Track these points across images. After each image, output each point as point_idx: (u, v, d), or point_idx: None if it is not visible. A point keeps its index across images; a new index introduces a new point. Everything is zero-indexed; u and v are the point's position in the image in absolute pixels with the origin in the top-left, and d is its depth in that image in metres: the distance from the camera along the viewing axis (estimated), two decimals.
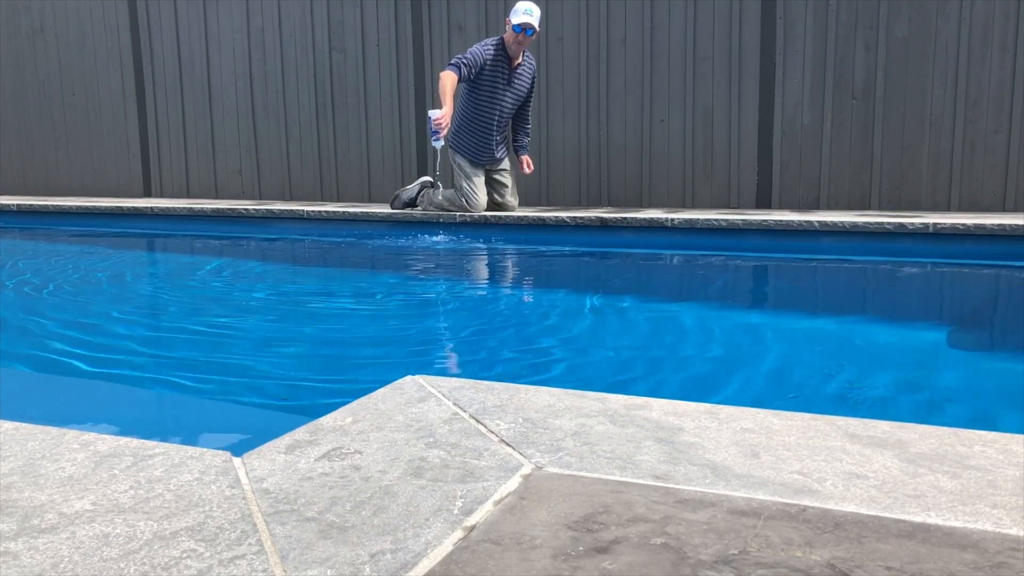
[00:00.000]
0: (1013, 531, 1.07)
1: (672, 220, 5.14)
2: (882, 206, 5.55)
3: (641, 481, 1.24)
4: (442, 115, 5.21)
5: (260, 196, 7.38)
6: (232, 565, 1.00)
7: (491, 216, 5.62)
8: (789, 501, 1.16)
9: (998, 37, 5.20)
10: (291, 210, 6.21)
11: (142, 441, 1.42)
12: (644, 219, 5.21)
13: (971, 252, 4.49)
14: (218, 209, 6.57)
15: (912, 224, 4.61)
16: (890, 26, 5.40)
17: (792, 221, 4.91)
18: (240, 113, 7.35)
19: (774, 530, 1.07)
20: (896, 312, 3.57)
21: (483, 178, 5.70)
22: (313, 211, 6.11)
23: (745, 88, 5.77)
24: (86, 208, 7.06)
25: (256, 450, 1.39)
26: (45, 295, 3.93)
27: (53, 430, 1.48)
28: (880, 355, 2.71)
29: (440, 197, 5.77)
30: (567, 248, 5.20)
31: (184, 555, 1.03)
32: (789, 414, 1.55)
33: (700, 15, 5.82)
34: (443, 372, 2.57)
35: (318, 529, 1.09)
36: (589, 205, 6.23)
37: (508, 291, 4.12)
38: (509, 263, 5.03)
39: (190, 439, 2.05)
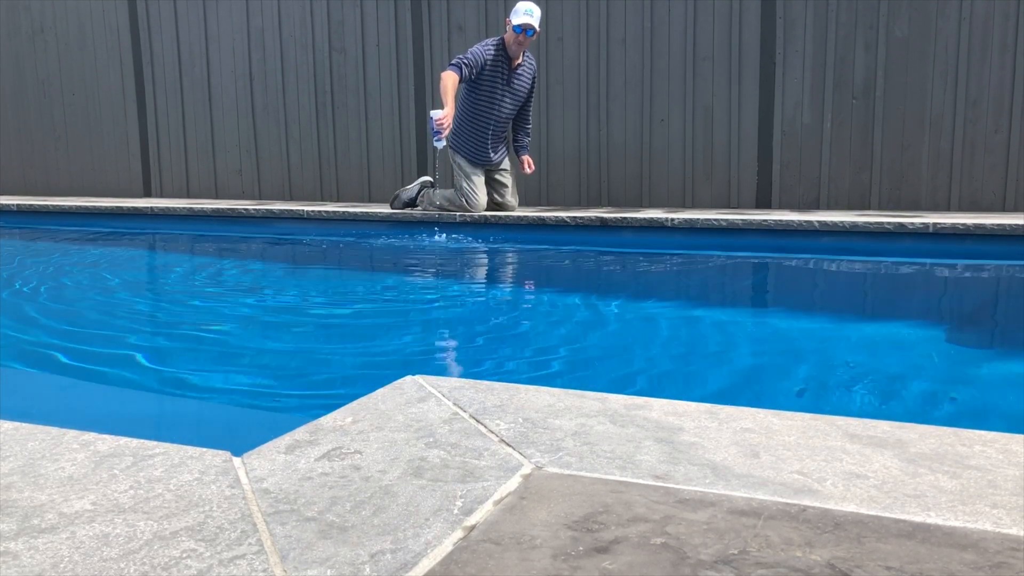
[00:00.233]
0: (1013, 531, 1.07)
1: (672, 220, 5.14)
2: (882, 206, 5.55)
3: (641, 481, 1.24)
4: (444, 115, 5.22)
5: (260, 196, 7.38)
6: (232, 565, 1.00)
7: (491, 216, 5.62)
8: (789, 501, 1.16)
9: (998, 37, 5.20)
10: (291, 210, 6.21)
11: (142, 441, 1.42)
12: (644, 219, 5.21)
13: (971, 252, 4.49)
14: (218, 209, 6.57)
15: (912, 224, 4.61)
16: (890, 26, 5.40)
17: (792, 221, 4.91)
18: (240, 113, 7.35)
19: (774, 530, 1.07)
20: (896, 312, 3.57)
21: (483, 178, 5.70)
22: (313, 211, 6.11)
23: (745, 88, 5.77)
24: (86, 208, 7.06)
25: (256, 450, 1.39)
26: (45, 295, 3.93)
27: (53, 430, 1.48)
28: (880, 355, 2.71)
29: (440, 197, 5.77)
30: (567, 248, 5.20)
31: (184, 555, 1.03)
32: (789, 414, 1.55)
33: (700, 15, 5.82)
34: (443, 372, 2.57)
35: (318, 529, 1.09)
36: (589, 205, 6.23)
37: (508, 291, 4.12)
38: (509, 263, 5.03)
39: (190, 439, 2.05)
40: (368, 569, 0.99)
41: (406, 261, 5.05)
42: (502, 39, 5.49)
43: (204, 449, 1.38)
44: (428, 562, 1.01)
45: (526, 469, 1.29)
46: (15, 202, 7.39)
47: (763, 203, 5.82)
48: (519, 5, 5.36)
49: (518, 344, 2.96)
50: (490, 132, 5.64)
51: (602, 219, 5.27)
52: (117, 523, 1.11)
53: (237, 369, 2.67)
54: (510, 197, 5.80)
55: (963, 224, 4.52)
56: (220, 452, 1.37)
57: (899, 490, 1.20)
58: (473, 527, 1.10)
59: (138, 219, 6.79)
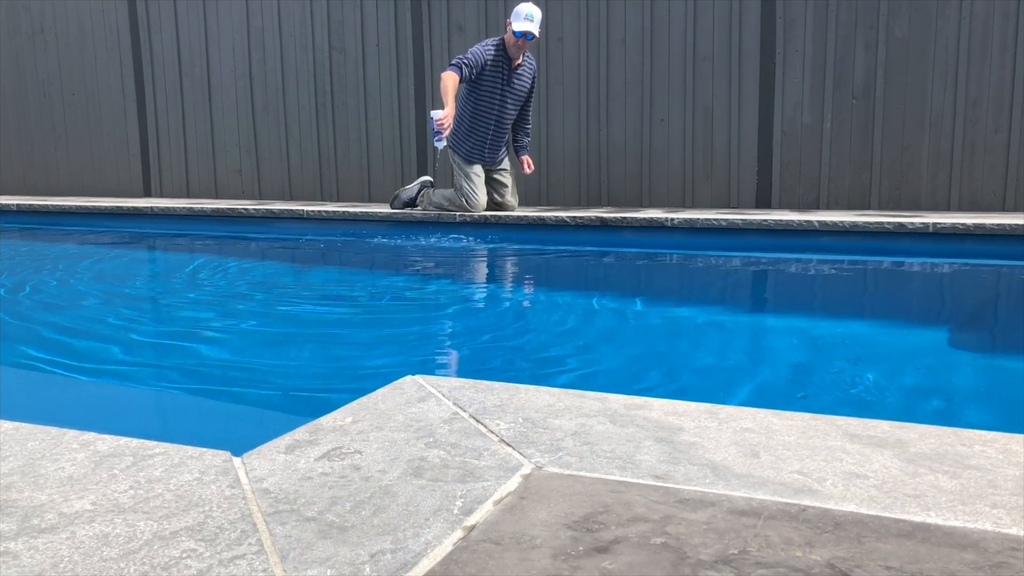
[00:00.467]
0: (1013, 531, 1.07)
1: (672, 220, 5.14)
2: (882, 206, 5.55)
3: (641, 481, 1.24)
4: (444, 115, 5.22)
5: (260, 196, 7.38)
6: (232, 565, 1.00)
7: (491, 216, 5.62)
8: (789, 501, 1.16)
9: (998, 37, 5.20)
10: (291, 210, 6.21)
11: (142, 441, 1.42)
12: (644, 219, 5.21)
13: (971, 252, 4.49)
14: (218, 209, 6.57)
15: (912, 224, 4.61)
16: (890, 26, 5.40)
17: (792, 221, 4.91)
18: (240, 113, 7.35)
19: (774, 530, 1.07)
20: (896, 312, 3.57)
21: (483, 178, 5.70)
22: (313, 211, 6.11)
23: (745, 88, 5.77)
24: (86, 208, 7.06)
25: (256, 450, 1.39)
26: (45, 295, 3.93)
27: (53, 430, 1.48)
28: (880, 354, 2.71)
29: (440, 197, 5.77)
30: (567, 248, 5.20)
31: (184, 555, 1.03)
32: (789, 414, 1.55)
33: (700, 15, 5.82)
34: (443, 372, 2.58)
35: (318, 529, 1.09)
36: (589, 205, 6.23)
37: (508, 291, 4.12)
38: (509, 263, 5.03)
39: (190, 439, 2.05)
40: (368, 569, 0.99)
41: (406, 261, 5.05)
42: (502, 39, 5.49)
43: (204, 449, 1.38)
44: (428, 562, 1.01)
45: (526, 469, 1.29)
46: (15, 202, 7.39)
47: (763, 203, 5.82)
48: (520, 8, 5.35)
49: (518, 344, 2.96)
50: (490, 132, 5.64)
51: (602, 219, 5.27)
52: (117, 523, 1.11)
53: (237, 369, 2.67)
54: (510, 197, 5.80)
55: (963, 224, 4.52)
56: (220, 452, 1.37)
57: (899, 490, 1.20)
58: (473, 527, 1.10)
59: (138, 219, 6.79)
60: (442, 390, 1.70)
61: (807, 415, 1.54)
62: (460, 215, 5.65)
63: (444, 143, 5.36)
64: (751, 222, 4.95)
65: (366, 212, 5.97)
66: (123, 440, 1.43)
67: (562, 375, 2.51)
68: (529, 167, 5.79)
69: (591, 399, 1.64)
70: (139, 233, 6.59)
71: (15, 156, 8.43)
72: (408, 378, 1.79)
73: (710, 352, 2.82)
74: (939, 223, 4.57)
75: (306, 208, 6.21)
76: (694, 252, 4.95)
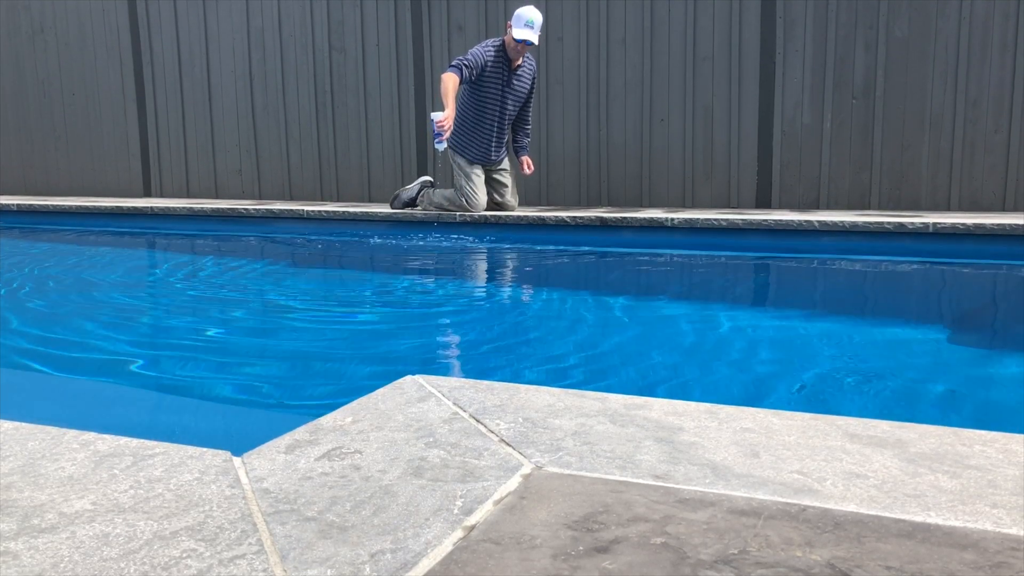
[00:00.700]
0: (1013, 531, 1.07)
1: (672, 220, 5.14)
2: (882, 206, 5.55)
3: (641, 481, 1.24)
4: (445, 117, 5.22)
5: (260, 196, 7.38)
6: (232, 565, 1.00)
7: (491, 216, 5.62)
8: (789, 501, 1.16)
9: (998, 37, 5.20)
10: (291, 210, 6.21)
11: (142, 441, 1.42)
12: (644, 219, 5.21)
13: (971, 252, 4.49)
14: (218, 209, 6.57)
15: (912, 224, 4.61)
16: (890, 26, 5.40)
17: (792, 221, 4.91)
18: (240, 113, 7.35)
19: (774, 530, 1.07)
20: (896, 312, 3.57)
21: (483, 178, 5.71)
22: (313, 211, 6.11)
23: (745, 88, 5.77)
24: (86, 208, 7.06)
25: (256, 450, 1.39)
26: (45, 294, 3.93)
27: (53, 430, 1.48)
28: (880, 354, 2.71)
29: (440, 197, 5.77)
30: (567, 248, 5.20)
31: (184, 555, 1.03)
32: (789, 414, 1.55)
33: (700, 15, 5.82)
34: (443, 372, 2.57)
35: (318, 529, 1.09)
36: (589, 205, 6.23)
37: (508, 291, 4.12)
38: (509, 263, 5.03)
39: (190, 439, 2.05)
40: (368, 569, 0.99)
41: (406, 261, 5.05)
42: (502, 40, 5.49)
43: (204, 449, 1.38)
44: (428, 562, 1.01)
45: (526, 469, 1.29)
46: (15, 202, 7.39)
47: (763, 203, 5.82)
48: (522, 12, 5.33)
49: (518, 344, 2.96)
50: (490, 133, 5.64)
51: (602, 219, 5.27)
52: (117, 523, 1.11)
53: (237, 369, 2.67)
54: (510, 197, 5.80)
55: (963, 224, 4.52)
56: (220, 452, 1.37)
57: (899, 490, 1.20)
58: (473, 527, 1.10)
59: (138, 219, 6.79)
60: (442, 390, 1.70)
61: (807, 415, 1.54)
62: (460, 215, 5.65)
63: (445, 145, 5.36)
64: (751, 222, 4.95)
65: (366, 212, 5.97)
66: (123, 440, 1.43)
67: (562, 375, 2.51)
68: (529, 168, 5.79)
69: (591, 399, 1.64)
70: (139, 233, 6.59)
71: (15, 156, 8.43)
72: (408, 378, 1.80)
73: (710, 352, 2.82)
74: (939, 223, 4.57)
75: (306, 208, 6.21)
76: (694, 252, 4.95)
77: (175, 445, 1.41)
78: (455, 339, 3.10)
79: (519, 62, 5.54)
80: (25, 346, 2.96)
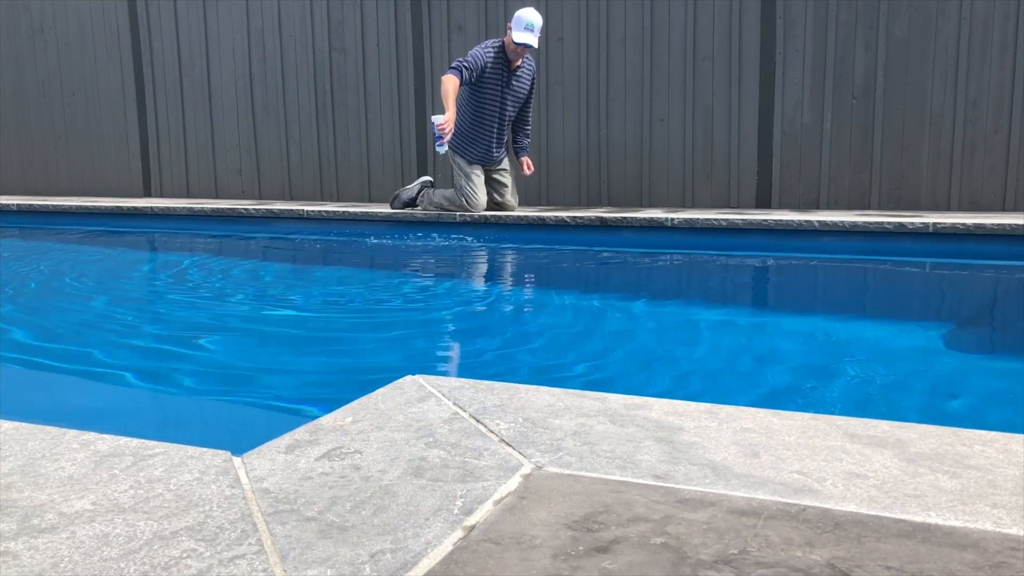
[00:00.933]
0: (1013, 531, 1.07)
1: (672, 220, 5.14)
2: (882, 206, 5.55)
3: (641, 481, 1.24)
4: (445, 120, 5.22)
5: (260, 196, 7.38)
6: (232, 565, 1.00)
7: (491, 216, 5.62)
8: (789, 501, 1.16)
9: (998, 37, 5.20)
10: (291, 210, 6.21)
11: (142, 441, 1.42)
12: (644, 219, 5.21)
13: (971, 252, 4.49)
14: (218, 209, 6.57)
15: (912, 224, 4.61)
16: (890, 26, 5.40)
17: (792, 221, 4.91)
18: (240, 113, 7.35)
19: (774, 530, 1.07)
20: (896, 312, 3.57)
21: (483, 178, 5.71)
22: (313, 211, 6.11)
23: (745, 88, 5.77)
24: (86, 208, 7.05)
25: (256, 450, 1.39)
26: (45, 295, 3.93)
27: (53, 430, 1.48)
28: (880, 355, 2.71)
29: (440, 197, 5.77)
30: (567, 248, 5.20)
31: (184, 555, 1.03)
32: (789, 414, 1.55)
33: (700, 15, 5.82)
34: (443, 372, 2.57)
35: (318, 529, 1.09)
36: (589, 205, 6.23)
37: (508, 291, 4.12)
38: (509, 263, 5.04)
39: (190, 439, 2.05)
40: (368, 569, 0.99)
41: (406, 261, 5.05)
42: (502, 42, 5.49)
43: (204, 449, 1.38)
44: (428, 562, 1.01)
45: (526, 469, 1.29)
46: (15, 202, 7.39)
47: (763, 203, 5.82)
48: (523, 15, 5.33)
49: (518, 344, 2.96)
50: (490, 133, 5.64)
51: (602, 219, 5.27)
52: (117, 523, 1.11)
53: (237, 369, 2.67)
54: (510, 197, 5.80)
55: (963, 224, 4.52)
56: (220, 452, 1.37)
57: (899, 490, 1.20)
58: (473, 527, 1.10)
59: (138, 219, 6.79)
60: (442, 390, 1.70)
61: (807, 415, 1.54)
62: (460, 215, 5.65)
63: (446, 148, 5.37)
64: (751, 222, 4.95)
65: (366, 212, 5.97)
66: (123, 440, 1.43)
67: (563, 374, 2.51)
68: (529, 168, 5.79)
69: (591, 399, 1.64)
70: (139, 233, 6.59)
71: (15, 156, 8.43)
72: (408, 378, 1.79)
73: (710, 352, 2.82)
74: (939, 223, 4.57)
75: (306, 208, 6.20)
76: (694, 252, 4.95)
77: (175, 445, 1.41)
78: (455, 339, 3.10)
79: (518, 63, 5.54)
80: (24, 346, 2.96)
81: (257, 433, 1.90)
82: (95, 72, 7.92)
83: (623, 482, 1.23)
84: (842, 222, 4.74)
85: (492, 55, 5.44)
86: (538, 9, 5.93)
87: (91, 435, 1.45)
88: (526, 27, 5.31)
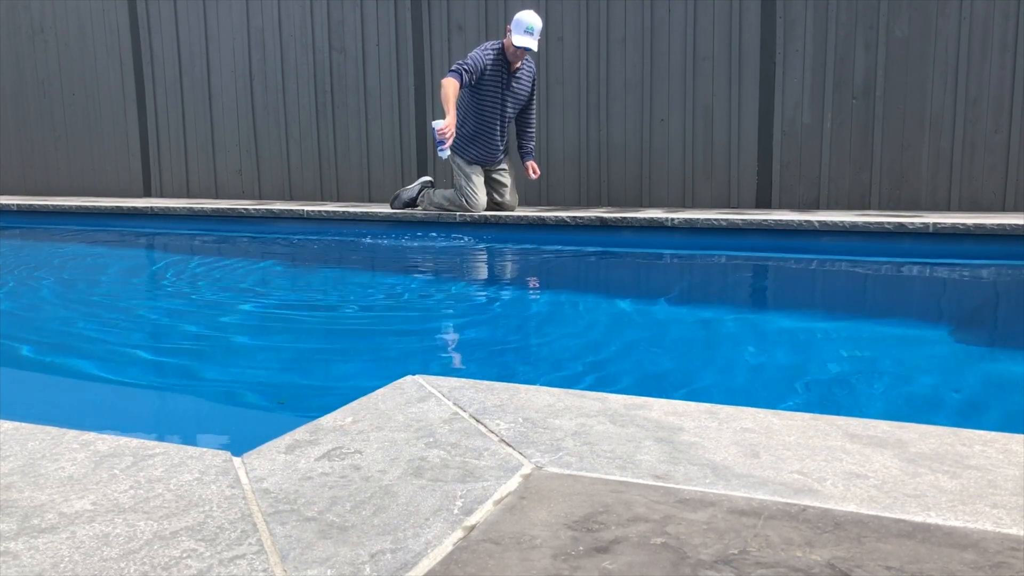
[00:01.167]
0: (1013, 531, 1.07)
1: (672, 220, 5.14)
2: (882, 206, 5.55)
3: (641, 481, 1.24)
4: (446, 125, 5.22)
5: (260, 196, 7.38)
6: (232, 565, 1.00)
7: (491, 216, 5.62)
8: (789, 501, 1.16)
9: (998, 37, 5.20)
10: (291, 210, 6.21)
11: (142, 441, 1.42)
12: (644, 219, 5.21)
13: (971, 252, 4.49)
14: (218, 209, 6.57)
15: (912, 224, 4.61)
16: (890, 26, 5.40)
17: (792, 221, 4.91)
18: (240, 113, 7.35)
19: (774, 530, 1.07)
20: (896, 312, 3.57)
21: (483, 178, 5.71)
22: (313, 211, 6.11)
23: (745, 88, 5.77)
24: (86, 208, 7.05)
25: (256, 450, 1.39)
26: (45, 295, 3.93)
27: (53, 430, 1.48)
28: (880, 355, 2.71)
29: (440, 197, 5.77)
30: (567, 248, 5.20)
31: (184, 555, 1.03)
32: (789, 414, 1.55)
33: (700, 15, 5.82)
34: (443, 372, 2.57)
35: (318, 529, 1.09)
36: (589, 205, 6.23)
37: (508, 291, 4.12)
38: (509, 263, 5.03)
39: (190, 439, 2.05)
40: (368, 569, 0.99)
41: (406, 261, 5.05)
42: (502, 43, 5.50)
43: (204, 449, 1.38)
44: (428, 562, 1.01)
45: (526, 469, 1.29)
46: (15, 202, 7.39)
47: (763, 203, 5.82)
48: (523, 18, 5.33)
49: (518, 344, 2.96)
50: (490, 135, 5.64)
51: (602, 219, 5.27)
52: (117, 523, 1.11)
53: (237, 369, 2.67)
54: (509, 197, 5.80)
55: (963, 224, 4.52)
56: (220, 452, 1.37)
57: (899, 490, 1.20)
58: (473, 527, 1.10)
59: (138, 219, 6.79)
60: (442, 390, 1.70)
61: (807, 415, 1.54)
62: (460, 215, 5.65)
63: (448, 152, 5.37)
64: (751, 222, 4.95)
65: (366, 212, 5.97)
66: (123, 440, 1.43)
67: (563, 374, 2.51)
68: (535, 172, 5.78)
69: (591, 399, 1.64)
70: (139, 233, 6.59)
71: (15, 156, 8.43)
72: (408, 378, 1.79)
73: (710, 352, 2.82)
74: (939, 223, 4.57)
75: (306, 208, 6.20)
76: (694, 252, 4.95)
77: (175, 445, 1.41)
78: (455, 339, 3.10)
79: (518, 65, 5.54)
80: (25, 345, 2.96)
81: (257, 433, 1.90)
82: (95, 72, 7.92)
83: (623, 482, 1.23)
84: (842, 222, 4.74)
85: (492, 57, 5.44)
86: (538, 9, 5.93)
87: (91, 435, 1.45)
88: (526, 30, 5.31)
